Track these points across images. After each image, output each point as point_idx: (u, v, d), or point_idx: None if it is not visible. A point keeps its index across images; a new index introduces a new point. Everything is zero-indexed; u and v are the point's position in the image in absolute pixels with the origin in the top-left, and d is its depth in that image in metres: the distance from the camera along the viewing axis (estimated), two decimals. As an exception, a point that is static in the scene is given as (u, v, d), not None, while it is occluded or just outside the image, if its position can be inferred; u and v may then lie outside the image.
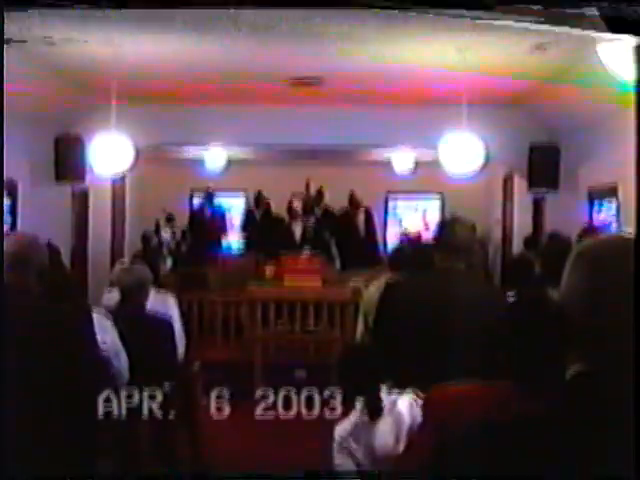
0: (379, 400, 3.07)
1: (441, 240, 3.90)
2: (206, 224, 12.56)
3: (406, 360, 3.62)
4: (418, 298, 3.77)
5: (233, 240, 13.88)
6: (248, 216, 13.55)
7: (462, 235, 3.85)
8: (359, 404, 3.04)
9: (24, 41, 6.74)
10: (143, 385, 3.36)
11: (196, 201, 13.15)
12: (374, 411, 3.01)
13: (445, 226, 4.03)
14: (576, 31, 4.37)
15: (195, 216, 12.79)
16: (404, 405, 3.01)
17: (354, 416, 3.05)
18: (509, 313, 2.41)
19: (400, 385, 3.62)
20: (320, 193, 12.84)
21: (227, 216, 13.35)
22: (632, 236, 1.52)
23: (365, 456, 2.96)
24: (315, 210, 12.77)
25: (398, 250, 5.94)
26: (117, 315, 4.35)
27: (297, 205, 12.49)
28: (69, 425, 3.09)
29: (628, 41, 3.91)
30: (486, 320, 3.59)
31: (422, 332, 3.64)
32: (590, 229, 4.50)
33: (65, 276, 5.22)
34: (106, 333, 3.71)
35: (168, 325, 4.73)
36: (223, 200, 14.65)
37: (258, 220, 13.21)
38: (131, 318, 4.47)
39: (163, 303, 5.52)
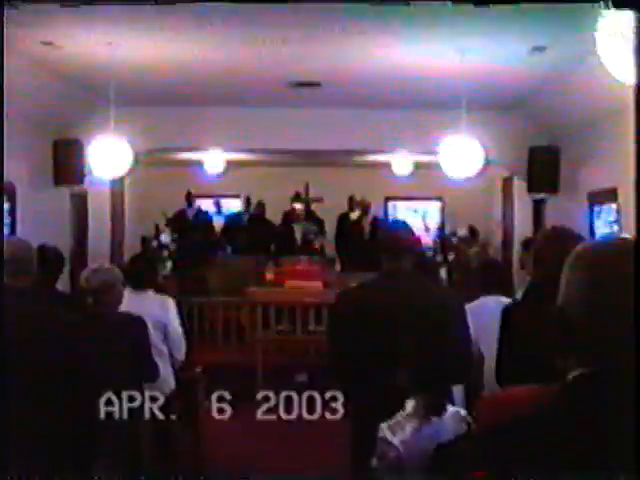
0: (444, 400, 3.06)
1: (383, 243, 3.98)
2: (188, 228, 12.57)
3: (359, 366, 3.71)
4: (364, 303, 3.86)
5: (226, 244, 13.88)
6: (236, 220, 13.50)
7: (403, 236, 3.92)
8: (416, 401, 3.03)
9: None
10: (120, 387, 3.35)
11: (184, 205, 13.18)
12: (435, 410, 3.00)
13: (386, 229, 4.12)
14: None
15: (177, 219, 12.79)
16: (450, 415, 3.00)
17: (405, 411, 3.03)
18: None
19: (358, 389, 3.68)
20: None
21: (209, 219, 13.34)
22: (630, 238, 1.52)
23: (405, 452, 2.93)
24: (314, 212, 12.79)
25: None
26: (88, 317, 4.36)
27: (299, 209, 12.49)
28: (68, 426, 3.10)
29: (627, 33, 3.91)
30: (436, 318, 3.65)
31: (370, 337, 3.70)
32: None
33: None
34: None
35: (141, 324, 4.70)
36: (222, 203, 14.67)
37: (245, 224, 13.19)
38: (101, 319, 4.47)
39: (162, 306, 5.52)
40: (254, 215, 13.25)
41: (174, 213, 12.87)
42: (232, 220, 13.48)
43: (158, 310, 5.41)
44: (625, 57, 4.16)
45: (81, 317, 4.28)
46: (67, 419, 3.08)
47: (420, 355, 3.12)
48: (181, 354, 5.54)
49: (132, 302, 5.08)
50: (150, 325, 5.04)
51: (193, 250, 12.10)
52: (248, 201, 13.51)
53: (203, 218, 13.08)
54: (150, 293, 5.56)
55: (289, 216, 12.72)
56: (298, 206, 12.58)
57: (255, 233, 12.73)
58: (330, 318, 4.68)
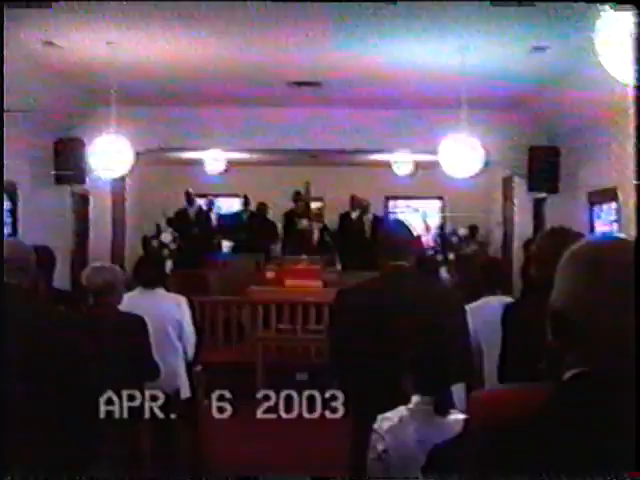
0: (447, 400, 3.06)
1: (378, 240, 4.03)
2: (190, 226, 12.59)
3: (361, 365, 3.72)
4: (364, 301, 3.87)
5: (228, 243, 13.90)
6: (236, 219, 13.51)
7: (403, 236, 3.96)
8: (421, 398, 3.03)
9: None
10: (119, 386, 3.36)
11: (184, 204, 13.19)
12: (438, 409, 3.00)
13: (387, 228, 4.16)
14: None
15: (180, 218, 12.81)
16: (453, 418, 3.00)
17: (402, 409, 3.03)
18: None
19: (359, 388, 3.69)
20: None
21: (212, 218, 13.34)
22: (626, 236, 1.52)
23: (393, 448, 2.94)
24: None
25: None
26: (89, 316, 4.35)
27: (316, 208, 12.53)
28: (69, 426, 3.10)
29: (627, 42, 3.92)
30: (436, 316, 3.66)
31: (371, 335, 3.71)
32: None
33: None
34: None
35: (141, 324, 4.70)
36: (222, 202, 14.68)
37: (246, 223, 13.20)
38: (102, 319, 4.46)
39: (177, 304, 5.55)
40: (254, 214, 13.25)
41: (175, 212, 12.88)
42: (231, 219, 13.49)
43: (174, 308, 5.46)
44: (625, 57, 4.16)
45: (81, 317, 4.28)
46: (67, 419, 3.08)
47: (421, 354, 3.13)
48: (192, 352, 5.59)
49: (145, 301, 5.13)
50: (167, 323, 5.11)
51: (194, 249, 12.12)
52: (247, 201, 13.51)
53: (204, 216, 13.08)
54: (161, 291, 5.58)
55: (305, 215, 12.75)
56: (315, 205, 12.61)
57: (255, 232, 12.74)
58: (331, 316, 4.71)
